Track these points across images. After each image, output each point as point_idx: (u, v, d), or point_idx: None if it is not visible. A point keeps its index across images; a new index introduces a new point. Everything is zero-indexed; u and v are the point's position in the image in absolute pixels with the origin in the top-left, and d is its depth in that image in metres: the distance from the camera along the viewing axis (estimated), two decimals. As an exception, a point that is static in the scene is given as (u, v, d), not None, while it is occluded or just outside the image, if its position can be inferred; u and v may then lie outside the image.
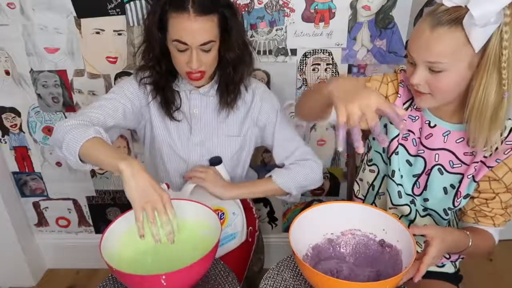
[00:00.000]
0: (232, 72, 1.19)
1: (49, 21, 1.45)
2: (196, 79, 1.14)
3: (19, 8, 1.43)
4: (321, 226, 1.02)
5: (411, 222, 1.15)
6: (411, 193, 1.11)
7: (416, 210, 1.13)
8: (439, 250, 0.91)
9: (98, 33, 1.47)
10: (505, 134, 0.97)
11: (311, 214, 0.99)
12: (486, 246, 1.07)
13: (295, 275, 1.01)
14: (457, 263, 1.21)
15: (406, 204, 1.12)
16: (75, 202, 1.85)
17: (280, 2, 1.39)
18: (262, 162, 1.67)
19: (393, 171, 1.10)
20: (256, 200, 1.60)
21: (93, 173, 1.77)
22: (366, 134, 1.24)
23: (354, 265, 1.00)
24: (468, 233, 1.00)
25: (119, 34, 1.47)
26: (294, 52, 1.48)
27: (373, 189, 1.21)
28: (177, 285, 0.88)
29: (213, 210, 1.01)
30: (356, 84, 0.87)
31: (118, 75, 1.55)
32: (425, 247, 0.93)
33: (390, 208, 1.15)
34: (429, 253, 0.90)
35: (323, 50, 1.47)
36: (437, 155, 1.05)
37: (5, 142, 1.72)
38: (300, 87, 1.54)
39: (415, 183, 1.10)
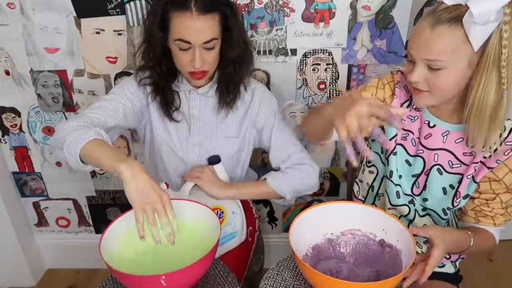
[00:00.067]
0: (233, 71, 1.19)
1: (49, 21, 1.45)
2: (199, 78, 1.14)
3: (19, 8, 1.43)
4: (321, 226, 1.02)
5: (410, 222, 1.15)
6: (410, 193, 1.11)
7: (415, 210, 1.13)
8: (443, 250, 0.91)
9: (98, 33, 1.47)
10: (504, 135, 0.97)
11: (311, 214, 0.99)
12: (487, 245, 1.07)
13: (295, 275, 1.01)
14: (457, 263, 1.21)
15: (405, 204, 1.12)
16: (75, 202, 1.85)
17: (280, 2, 1.39)
18: (262, 162, 1.67)
19: (391, 172, 1.10)
20: (256, 200, 1.60)
21: (93, 173, 1.77)
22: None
23: (354, 265, 1.00)
24: (469, 233, 1.00)
25: (119, 34, 1.47)
26: (294, 52, 1.48)
27: (372, 190, 1.21)
28: (176, 285, 0.88)
29: (212, 210, 1.01)
30: (349, 98, 0.87)
31: (118, 75, 1.55)
32: (428, 248, 0.92)
33: (389, 209, 1.15)
34: (434, 254, 0.90)
35: (323, 50, 1.47)
36: (436, 155, 1.05)
37: (5, 142, 1.72)
38: (300, 87, 1.54)
39: (414, 183, 1.10)
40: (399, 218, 1.15)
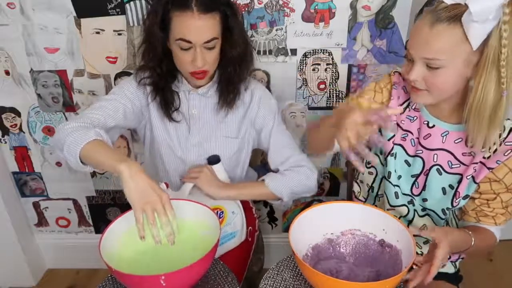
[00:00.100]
0: (233, 71, 1.19)
1: (49, 21, 1.45)
2: (200, 78, 1.15)
3: (19, 8, 1.43)
4: (321, 226, 1.02)
5: (409, 222, 1.15)
6: (409, 193, 1.11)
7: (415, 210, 1.13)
8: (447, 251, 0.91)
9: (98, 33, 1.47)
10: (504, 135, 0.97)
11: (311, 214, 0.99)
12: (488, 244, 1.07)
13: (295, 275, 1.01)
14: (457, 263, 1.21)
15: (404, 205, 1.12)
16: (75, 202, 1.85)
17: (280, 2, 1.39)
18: (262, 162, 1.67)
19: (389, 172, 1.10)
20: (256, 200, 1.59)
21: (93, 173, 1.77)
22: None
23: (354, 265, 1.00)
24: (470, 232, 1.00)
25: (119, 34, 1.47)
26: (294, 52, 1.48)
27: (372, 191, 1.21)
28: (176, 286, 0.88)
29: (212, 210, 1.01)
30: (344, 110, 0.88)
31: (118, 75, 1.55)
32: (432, 249, 0.92)
33: (388, 210, 1.14)
34: (439, 255, 0.89)
35: (323, 50, 1.47)
36: (435, 156, 1.05)
37: (5, 142, 1.72)
38: (300, 87, 1.54)
39: (413, 183, 1.10)
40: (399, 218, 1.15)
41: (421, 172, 1.08)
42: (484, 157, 1.00)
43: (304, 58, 1.48)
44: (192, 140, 1.25)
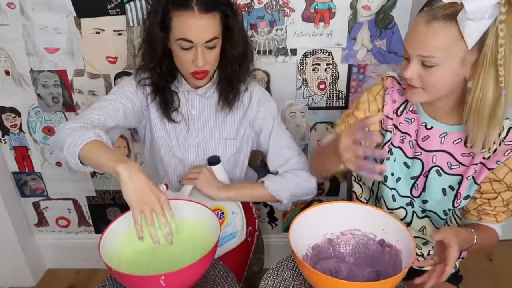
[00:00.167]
0: (234, 70, 1.19)
1: (49, 21, 1.45)
2: (200, 79, 1.15)
3: (19, 8, 1.43)
4: (321, 226, 1.02)
5: (408, 224, 1.15)
6: (409, 195, 1.11)
7: (414, 212, 1.13)
8: (458, 250, 0.91)
9: (98, 33, 1.47)
10: (503, 135, 0.97)
11: (311, 214, 0.99)
12: (490, 242, 1.07)
13: (295, 275, 1.01)
14: (457, 263, 1.21)
15: (401, 207, 1.13)
16: (75, 202, 1.85)
17: (280, 2, 1.39)
18: (262, 162, 1.67)
19: (386, 177, 1.11)
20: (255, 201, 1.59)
21: (93, 173, 1.77)
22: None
23: (353, 265, 1.00)
24: (472, 230, 1.01)
25: (119, 34, 1.47)
26: (294, 52, 1.48)
27: (373, 194, 1.22)
28: (176, 286, 0.88)
29: (212, 210, 1.01)
30: (341, 134, 0.92)
31: (118, 75, 1.55)
32: (441, 250, 0.92)
33: None
34: (451, 255, 0.89)
35: (323, 50, 1.47)
36: (434, 157, 1.05)
37: (5, 142, 1.72)
38: (300, 87, 1.54)
39: (413, 185, 1.10)
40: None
41: (420, 174, 1.08)
42: (484, 158, 1.00)
43: (304, 58, 1.48)
44: (190, 140, 1.25)
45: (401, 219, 1.14)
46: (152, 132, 1.26)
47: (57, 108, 1.63)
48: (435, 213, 1.10)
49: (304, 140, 1.65)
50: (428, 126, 1.05)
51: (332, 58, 1.48)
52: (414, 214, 1.13)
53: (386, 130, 1.10)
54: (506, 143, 0.97)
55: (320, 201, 1.74)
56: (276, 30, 1.44)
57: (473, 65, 0.90)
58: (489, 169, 0.99)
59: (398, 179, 1.11)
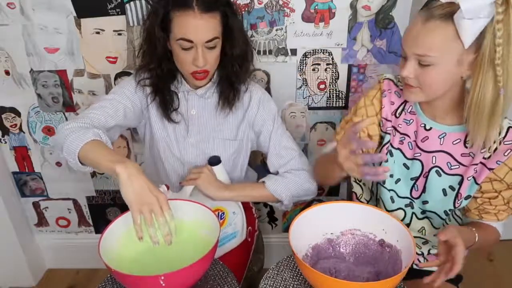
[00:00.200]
0: (234, 70, 1.19)
1: (49, 21, 1.45)
2: (201, 79, 1.15)
3: (19, 8, 1.43)
4: (321, 226, 1.02)
5: (407, 226, 1.15)
6: (409, 196, 1.11)
7: (413, 213, 1.13)
8: (464, 247, 0.91)
9: (98, 33, 1.47)
10: (502, 134, 0.97)
11: (311, 214, 0.99)
12: (491, 240, 1.08)
13: (295, 275, 1.01)
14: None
15: (400, 208, 1.13)
16: (75, 202, 1.85)
17: (280, 2, 1.39)
18: (262, 162, 1.67)
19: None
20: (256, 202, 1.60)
21: (93, 173, 1.77)
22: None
23: (353, 265, 1.00)
24: (473, 229, 1.01)
25: (119, 34, 1.46)
26: (294, 52, 1.47)
27: (373, 194, 1.22)
28: (176, 286, 0.88)
29: (212, 210, 1.01)
30: (338, 146, 0.95)
31: (118, 75, 1.55)
32: (446, 250, 0.92)
33: None
34: (460, 254, 0.89)
35: (323, 50, 1.47)
36: (434, 158, 1.05)
37: (5, 142, 1.72)
38: (300, 87, 1.54)
39: (413, 186, 1.10)
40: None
41: (420, 175, 1.08)
42: (484, 158, 1.00)
43: (304, 58, 1.48)
44: (189, 140, 1.25)
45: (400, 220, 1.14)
46: (151, 131, 1.26)
47: (57, 108, 1.63)
48: (435, 213, 1.10)
49: (304, 140, 1.65)
50: (427, 127, 1.05)
51: (332, 58, 1.48)
52: (414, 215, 1.13)
53: (385, 133, 1.10)
54: (505, 143, 0.97)
55: (320, 201, 1.74)
56: (276, 30, 1.44)
57: (471, 65, 0.90)
58: (489, 169, 0.99)
59: (398, 180, 1.11)
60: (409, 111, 1.08)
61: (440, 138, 1.04)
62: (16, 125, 1.68)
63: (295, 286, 0.98)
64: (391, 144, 1.10)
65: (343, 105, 1.57)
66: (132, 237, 0.94)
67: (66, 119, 1.64)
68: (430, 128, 1.05)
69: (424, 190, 1.08)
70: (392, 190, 1.11)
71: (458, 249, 0.89)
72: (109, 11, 1.42)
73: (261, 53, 1.48)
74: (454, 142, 1.03)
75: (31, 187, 1.82)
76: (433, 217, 1.12)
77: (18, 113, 1.65)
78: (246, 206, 1.33)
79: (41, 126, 1.67)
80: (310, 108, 1.58)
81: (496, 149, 0.98)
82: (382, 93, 1.11)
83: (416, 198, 1.11)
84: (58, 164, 1.75)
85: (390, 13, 1.40)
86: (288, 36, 1.44)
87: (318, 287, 0.89)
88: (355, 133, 0.91)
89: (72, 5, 1.42)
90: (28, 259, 1.88)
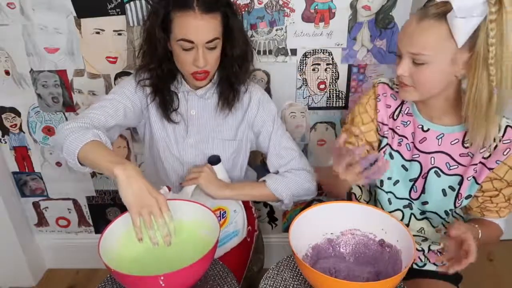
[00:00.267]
0: (234, 71, 1.19)
1: (49, 21, 1.45)
2: (201, 79, 1.15)
3: (19, 8, 1.43)
4: (321, 226, 1.02)
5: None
6: (408, 197, 1.12)
7: (412, 214, 1.13)
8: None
9: (98, 33, 1.47)
10: (501, 133, 0.98)
11: (311, 214, 0.99)
12: (494, 236, 1.09)
13: (295, 275, 1.01)
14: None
15: (397, 210, 1.13)
16: (75, 202, 1.85)
17: (280, 2, 1.39)
18: (262, 162, 1.67)
19: (382, 181, 1.11)
20: (256, 201, 1.60)
21: (93, 173, 1.77)
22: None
23: (353, 265, 1.00)
24: (476, 226, 1.02)
25: (119, 34, 1.46)
26: (294, 52, 1.47)
27: (371, 195, 1.22)
28: (175, 286, 0.88)
29: (215, 210, 1.01)
30: (334, 167, 0.95)
31: (118, 75, 1.55)
32: (455, 246, 0.93)
33: None
34: (473, 248, 0.90)
35: (323, 50, 1.47)
36: (432, 158, 1.05)
37: (5, 142, 1.72)
38: (300, 87, 1.54)
39: (412, 187, 1.10)
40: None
41: (419, 176, 1.08)
42: (483, 157, 1.00)
43: (304, 58, 1.48)
44: (189, 140, 1.25)
45: None
46: (151, 131, 1.26)
47: (57, 108, 1.63)
48: (436, 213, 1.10)
49: (304, 140, 1.65)
50: (425, 128, 1.05)
51: (332, 58, 1.48)
52: (412, 216, 1.13)
53: (383, 136, 1.11)
54: (504, 142, 0.98)
55: (320, 201, 1.74)
56: (276, 30, 1.44)
57: (465, 64, 0.91)
58: (489, 168, 1.00)
59: (396, 182, 1.11)
60: (406, 113, 1.09)
61: (438, 139, 1.04)
62: (16, 125, 1.68)
63: (295, 286, 0.98)
64: (390, 147, 1.10)
65: (343, 105, 1.57)
66: (132, 237, 0.93)
67: (66, 119, 1.64)
68: (428, 129, 1.05)
69: (423, 191, 1.08)
70: (390, 192, 1.12)
71: (470, 242, 0.90)
72: (109, 11, 1.42)
73: (261, 53, 1.48)
74: (452, 143, 1.03)
75: (31, 187, 1.82)
76: (433, 217, 1.12)
77: (18, 113, 1.65)
78: (246, 205, 1.33)
79: (41, 126, 1.67)
80: (310, 108, 1.58)
81: (495, 148, 0.98)
82: (377, 97, 1.12)
83: (415, 199, 1.11)
84: (58, 164, 1.75)
85: (390, 13, 1.39)
86: (288, 36, 1.44)
87: (318, 287, 0.89)
88: (341, 152, 0.92)
89: (72, 5, 1.42)
90: (28, 259, 1.88)
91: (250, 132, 1.29)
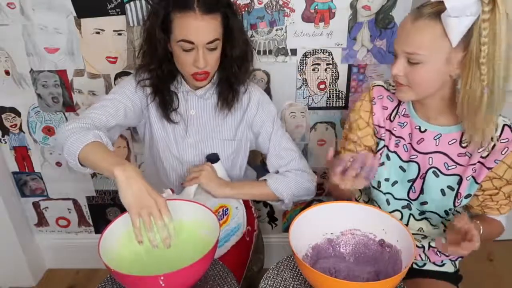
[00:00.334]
0: (234, 71, 1.19)
1: (49, 21, 1.45)
2: (201, 80, 1.15)
3: (19, 8, 1.43)
4: (321, 226, 1.02)
5: None
6: (406, 198, 1.12)
7: (410, 215, 1.13)
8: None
9: (98, 33, 1.47)
10: (498, 132, 0.98)
11: (311, 214, 0.99)
12: (495, 232, 1.09)
13: (295, 275, 1.01)
14: (456, 262, 1.21)
15: (396, 210, 1.13)
16: (75, 202, 1.85)
17: (280, 2, 1.39)
18: (262, 162, 1.67)
19: (379, 182, 1.11)
20: (256, 200, 1.60)
21: (93, 173, 1.77)
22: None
23: (353, 265, 1.00)
24: (478, 222, 1.02)
25: (119, 34, 1.46)
26: (294, 52, 1.47)
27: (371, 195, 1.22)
28: (175, 286, 0.88)
29: (212, 211, 1.01)
30: (331, 179, 0.97)
31: (118, 75, 1.55)
32: (460, 237, 0.92)
33: None
34: (477, 236, 0.90)
35: (323, 50, 1.47)
36: (430, 159, 1.05)
37: (5, 142, 1.72)
38: (300, 87, 1.54)
39: (410, 188, 1.10)
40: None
41: (417, 177, 1.09)
42: (482, 157, 1.00)
43: (304, 58, 1.48)
44: (188, 140, 1.26)
45: None
46: (151, 131, 1.26)
47: (57, 108, 1.63)
48: (436, 213, 1.10)
49: (304, 140, 1.65)
50: (422, 129, 1.06)
51: (332, 58, 1.48)
52: (411, 217, 1.14)
53: (380, 139, 1.11)
54: (502, 141, 0.98)
55: (320, 201, 1.74)
56: (276, 30, 1.44)
57: (459, 63, 0.91)
58: (488, 168, 1.00)
59: (395, 183, 1.11)
60: (402, 114, 1.09)
61: (436, 139, 1.04)
62: (16, 125, 1.68)
63: (295, 286, 0.98)
64: (387, 148, 1.11)
65: (343, 105, 1.57)
66: (132, 238, 0.93)
67: (66, 119, 1.64)
68: (425, 130, 1.05)
69: (422, 192, 1.09)
70: (388, 193, 1.12)
71: (473, 232, 0.90)
72: (109, 11, 1.42)
73: (261, 53, 1.48)
74: (450, 143, 1.03)
75: (31, 187, 1.82)
76: (433, 217, 1.12)
77: (18, 113, 1.65)
78: (246, 205, 1.32)
79: (41, 126, 1.67)
80: (310, 108, 1.58)
81: (493, 147, 0.98)
82: (372, 100, 1.12)
83: (414, 200, 1.11)
84: (58, 164, 1.75)
85: (390, 13, 1.40)
86: (288, 36, 1.44)
87: (318, 287, 0.89)
88: (332, 162, 0.94)
89: (72, 5, 1.42)
90: (28, 259, 1.88)
91: (250, 132, 1.29)
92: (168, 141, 1.26)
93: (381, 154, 1.11)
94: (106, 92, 1.56)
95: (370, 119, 1.13)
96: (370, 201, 1.23)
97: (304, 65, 1.50)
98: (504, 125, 0.98)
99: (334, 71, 1.51)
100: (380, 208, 1.13)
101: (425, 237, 1.16)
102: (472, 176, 1.02)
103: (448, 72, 0.93)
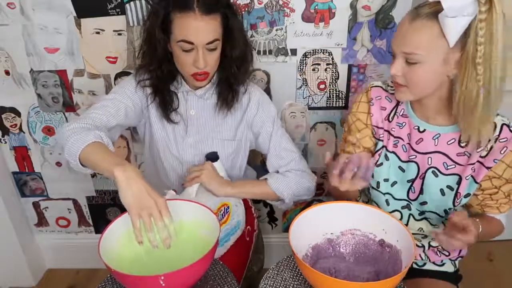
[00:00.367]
0: (234, 71, 1.19)
1: (49, 21, 1.45)
2: (201, 80, 1.15)
3: (19, 8, 1.43)
4: (321, 226, 1.02)
5: None
6: (406, 198, 1.12)
7: (410, 215, 1.13)
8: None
9: (98, 33, 1.47)
10: (496, 132, 0.98)
11: (311, 214, 0.99)
12: (495, 231, 1.09)
13: (295, 275, 1.01)
14: (456, 262, 1.21)
15: (396, 210, 1.13)
16: (75, 202, 1.85)
17: (280, 2, 1.39)
18: (262, 162, 1.67)
19: (378, 183, 1.11)
20: (256, 200, 1.60)
21: (93, 173, 1.77)
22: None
23: (353, 265, 1.00)
24: (477, 220, 1.02)
25: (119, 34, 1.46)
26: (294, 52, 1.47)
27: (367, 196, 1.22)
28: (176, 286, 0.88)
29: (212, 211, 1.01)
30: (330, 181, 0.98)
31: (118, 75, 1.55)
32: (458, 233, 0.93)
33: None
34: (474, 230, 0.91)
35: (323, 50, 1.47)
36: (429, 159, 1.06)
37: (5, 142, 1.72)
38: (300, 87, 1.54)
39: (409, 188, 1.10)
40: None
41: (416, 177, 1.09)
42: (481, 157, 1.00)
43: (304, 58, 1.48)
44: (188, 140, 1.26)
45: None
46: (151, 131, 1.26)
47: (57, 108, 1.63)
48: (436, 213, 1.10)
49: (304, 140, 1.65)
50: (421, 129, 1.06)
51: (332, 58, 1.48)
52: (411, 217, 1.14)
53: (378, 139, 1.11)
54: (501, 141, 0.98)
55: (320, 201, 1.74)
56: (276, 30, 1.44)
57: (457, 63, 0.91)
58: (487, 167, 1.00)
59: (394, 183, 1.11)
60: (401, 114, 1.09)
61: (435, 139, 1.04)
62: (16, 125, 1.68)
63: (295, 286, 0.98)
64: (386, 149, 1.11)
65: (343, 105, 1.57)
66: (132, 238, 0.93)
67: (66, 119, 1.64)
68: (424, 130, 1.05)
69: (421, 192, 1.09)
70: (387, 193, 1.12)
71: (471, 228, 0.91)
72: (109, 11, 1.42)
73: (261, 53, 1.48)
74: (448, 142, 1.03)
75: (31, 187, 1.82)
76: (432, 217, 1.12)
77: (18, 113, 1.65)
78: (245, 205, 1.33)
79: (41, 126, 1.67)
80: (310, 108, 1.58)
81: (492, 147, 0.99)
82: (370, 101, 1.12)
83: (414, 200, 1.11)
84: (58, 164, 1.75)
85: (390, 13, 1.40)
86: (288, 36, 1.44)
87: (318, 287, 0.89)
88: (332, 168, 0.94)
89: (72, 5, 1.42)
90: (28, 259, 1.88)
91: (249, 132, 1.29)
92: (168, 141, 1.26)
93: (379, 155, 1.11)
94: (106, 92, 1.56)
95: (368, 120, 1.13)
96: (370, 201, 1.23)
97: (304, 65, 1.50)
98: (502, 124, 0.98)
99: (334, 71, 1.51)
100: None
101: (425, 236, 1.17)
102: (472, 176, 1.02)
103: (445, 72, 0.93)
